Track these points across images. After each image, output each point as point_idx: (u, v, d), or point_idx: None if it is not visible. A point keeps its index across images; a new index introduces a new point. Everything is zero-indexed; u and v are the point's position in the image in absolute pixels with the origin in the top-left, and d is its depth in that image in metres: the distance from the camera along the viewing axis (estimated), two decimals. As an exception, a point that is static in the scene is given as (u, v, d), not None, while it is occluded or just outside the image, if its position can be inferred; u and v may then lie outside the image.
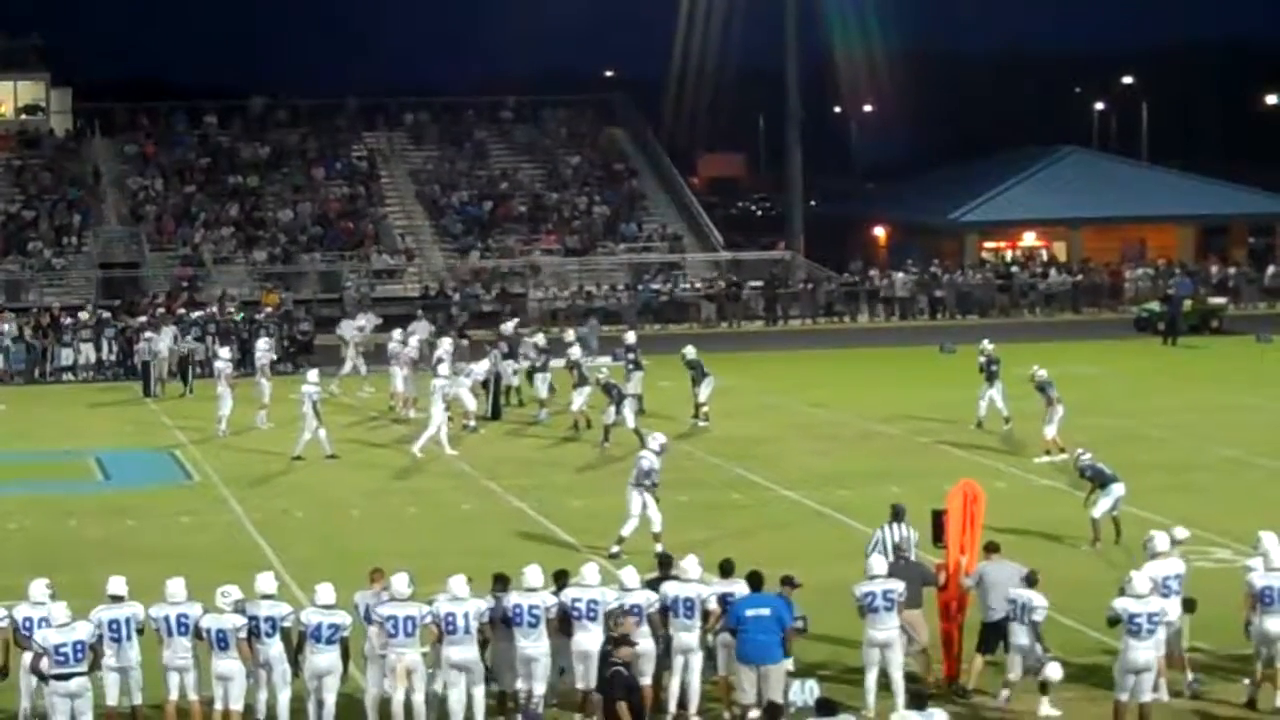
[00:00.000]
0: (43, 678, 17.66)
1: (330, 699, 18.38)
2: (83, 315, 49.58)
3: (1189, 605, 19.76)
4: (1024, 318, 61.56)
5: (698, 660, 18.99)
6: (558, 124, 72.95)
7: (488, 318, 54.30)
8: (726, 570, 19.51)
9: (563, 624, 18.75)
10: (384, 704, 18.52)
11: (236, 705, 18.15)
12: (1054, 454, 33.06)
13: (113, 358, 48.38)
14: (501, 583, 19.05)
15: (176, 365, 45.42)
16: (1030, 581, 19.24)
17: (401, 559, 21.04)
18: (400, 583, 18.49)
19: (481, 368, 38.75)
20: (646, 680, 18.41)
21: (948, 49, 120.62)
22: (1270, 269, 65.95)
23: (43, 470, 34.97)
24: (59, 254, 61.71)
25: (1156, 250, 69.04)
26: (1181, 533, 20.74)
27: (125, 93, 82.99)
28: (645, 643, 18.49)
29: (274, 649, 18.32)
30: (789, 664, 18.83)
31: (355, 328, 45.80)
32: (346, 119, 71.74)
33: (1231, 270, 65.52)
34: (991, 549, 20.02)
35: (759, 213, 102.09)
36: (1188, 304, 56.40)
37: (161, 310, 50.98)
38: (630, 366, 38.36)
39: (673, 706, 18.93)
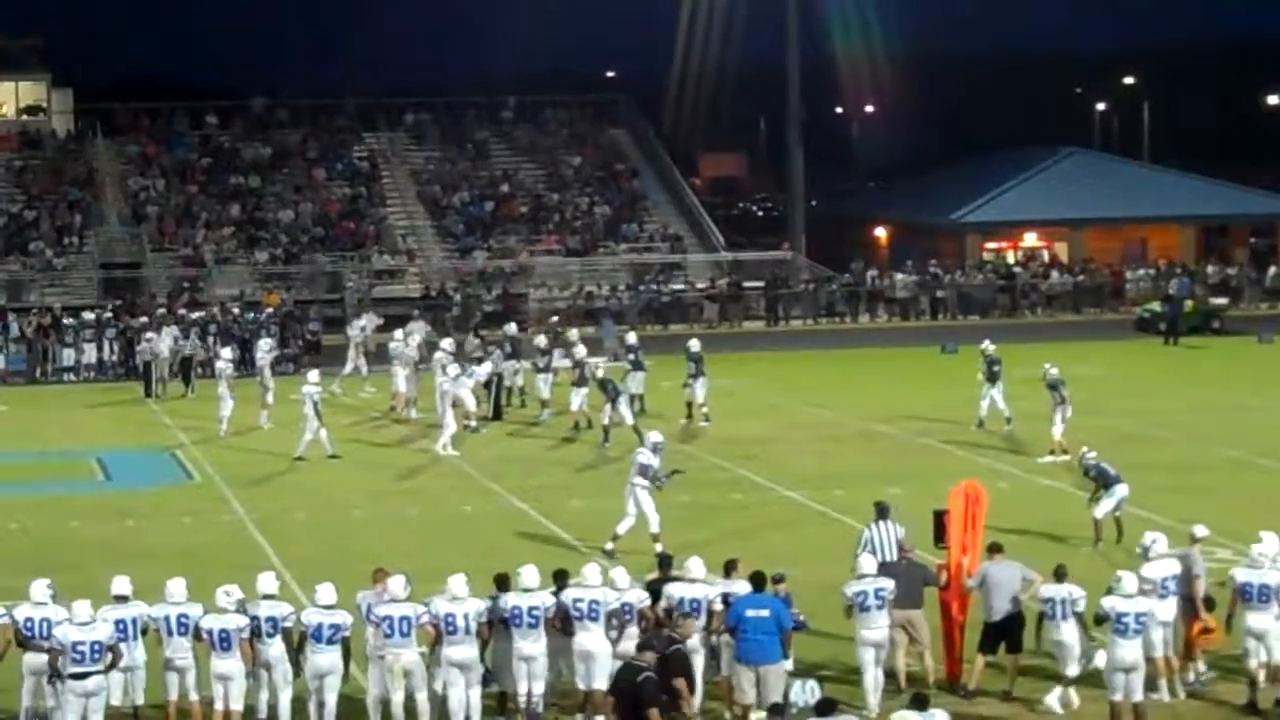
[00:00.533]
0: (58, 675, 17.53)
1: (331, 699, 18.39)
2: (86, 315, 49.57)
3: (1209, 604, 19.82)
4: (1025, 318, 61.49)
5: (699, 660, 18.98)
6: (559, 124, 72.85)
7: (489, 318, 54.25)
8: (729, 570, 19.52)
9: (563, 624, 18.77)
10: (385, 704, 18.53)
11: (236, 705, 18.16)
12: (1058, 455, 33.05)
13: (114, 358, 48.38)
14: (502, 583, 19.06)
15: (178, 366, 45.42)
16: (1059, 576, 19.28)
17: (403, 559, 21.05)
18: (396, 585, 18.49)
19: (484, 369, 38.75)
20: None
21: (949, 49, 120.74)
22: (1271, 269, 65.80)
23: (44, 470, 34.98)
24: (60, 254, 61.68)
25: (1158, 251, 68.92)
26: (1201, 530, 20.72)
27: (126, 93, 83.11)
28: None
29: (275, 649, 18.34)
30: (788, 665, 18.85)
31: (358, 327, 45.81)
32: (347, 119, 71.64)
33: (1232, 271, 65.53)
34: (994, 550, 20.07)
35: (760, 213, 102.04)
36: (1189, 304, 56.39)
37: (163, 311, 50.97)
38: (631, 366, 38.41)
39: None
